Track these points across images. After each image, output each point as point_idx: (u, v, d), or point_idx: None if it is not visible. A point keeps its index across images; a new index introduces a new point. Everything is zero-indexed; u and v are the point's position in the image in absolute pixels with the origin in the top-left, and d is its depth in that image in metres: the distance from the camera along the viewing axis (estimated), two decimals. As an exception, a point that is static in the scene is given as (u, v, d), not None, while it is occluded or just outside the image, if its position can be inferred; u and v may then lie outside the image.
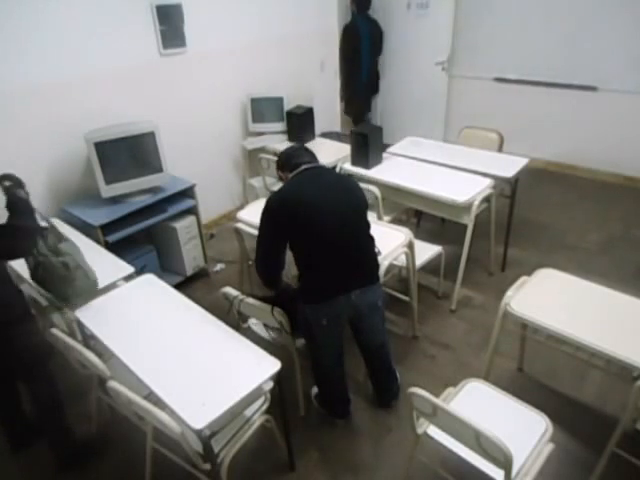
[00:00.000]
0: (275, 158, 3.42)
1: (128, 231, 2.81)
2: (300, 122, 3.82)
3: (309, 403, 2.35)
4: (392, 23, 5.00)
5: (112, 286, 2.18)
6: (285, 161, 2.01)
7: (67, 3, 2.73)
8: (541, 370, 2.47)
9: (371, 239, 2.00)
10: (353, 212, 1.92)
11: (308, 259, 1.89)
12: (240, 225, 2.61)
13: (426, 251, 2.77)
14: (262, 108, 3.97)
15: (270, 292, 2.09)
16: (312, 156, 2.02)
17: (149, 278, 2.20)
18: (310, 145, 3.83)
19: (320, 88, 4.77)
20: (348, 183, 1.99)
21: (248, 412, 1.77)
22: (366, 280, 1.97)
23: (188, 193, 3.15)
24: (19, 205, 1.90)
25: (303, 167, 1.93)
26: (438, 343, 2.71)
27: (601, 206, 4.04)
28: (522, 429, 1.65)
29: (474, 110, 4.85)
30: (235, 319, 2.17)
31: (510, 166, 3.00)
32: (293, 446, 2.04)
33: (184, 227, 3.14)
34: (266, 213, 1.87)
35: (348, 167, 3.21)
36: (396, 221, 3.17)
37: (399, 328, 2.81)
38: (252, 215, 2.73)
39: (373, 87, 5.25)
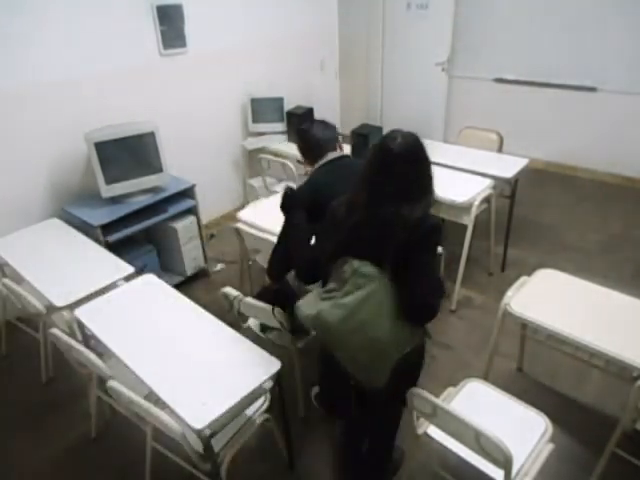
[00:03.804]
0: (275, 158, 3.46)
1: (128, 231, 2.81)
2: (300, 122, 3.80)
3: (309, 403, 2.35)
4: (392, 23, 5.00)
5: (112, 286, 2.19)
6: (316, 148, 1.95)
7: (67, 3, 2.73)
8: (541, 370, 2.47)
9: None
10: None
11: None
12: (240, 225, 2.60)
13: (426, 251, 2.76)
14: (262, 108, 3.97)
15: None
16: (331, 139, 1.96)
17: (149, 278, 2.20)
18: (310, 145, 3.86)
19: (320, 88, 4.77)
20: None
21: (248, 412, 1.77)
22: None
23: (188, 193, 3.15)
24: None
25: (330, 157, 1.91)
26: (438, 343, 2.71)
27: (601, 206, 4.04)
28: (522, 429, 1.65)
29: (474, 110, 4.85)
30: (235, 319, 2.16)
31: (510, 166, 3.00)
32: (293, 446, 2.04)
33: (184, 227, 3.14)
34: (289, 205, 1.79)
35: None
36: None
37: (399, 328, 2.81)
38: (252, 215, 2.74)
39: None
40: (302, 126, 2.06)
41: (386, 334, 1.36)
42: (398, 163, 1.33)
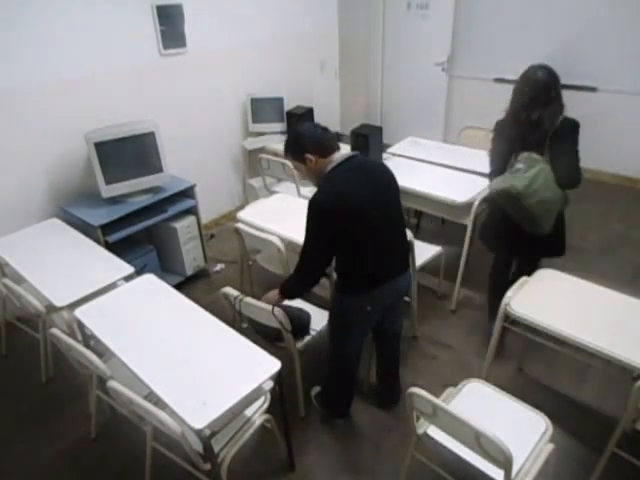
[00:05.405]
0: (275, 158, 3.46)
1: (128, 231, 2.81)
2: (300, 122, 3.82)
3: (309, 403, 2.35)
4: (392, 23, 5.00)
5: (112, 286, 2.19)
6: (316, 143, 1.82)
7: (68, 3, 2.74)
8: (541, 370, 2.47)
9: (404, 224, 2.01)
10: (394, 202, 1.92)
11: (356, 253, 1.85)
12: (240, 225, 2.60)
13: (426, 251, 2.76)
14: (262, 108, 3.97)
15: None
16: (335, 137, 1.89)
17: (149, 278, 2.20)
18: (310, 145, 3.86)
19: (320, 88, 4.77)
20: (386, 172, 1.91)
21: (248, 412, 1.77)
22: (405, 265, 2.02)
23: (188, 193, 3.15)
24: None
25: (340, 158, 1.81)
26: (438, 343, 2.71)
27: (601, 206, 4.04)
28: (522, 429, 1.65)
29: (474, 110, 4.83)
30: (235, 319, 2.16)
31: (510, 166, 2.99)
32: (293, 446, 2.04)
33: (184, 227, 3.14)
34: (318, 217, 1.76)
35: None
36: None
37: (399, 328, 2.81)
38: (252, 215, 2.74)
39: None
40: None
41: (550, 197, 2.15)
42: (538, 87, 2.26)
